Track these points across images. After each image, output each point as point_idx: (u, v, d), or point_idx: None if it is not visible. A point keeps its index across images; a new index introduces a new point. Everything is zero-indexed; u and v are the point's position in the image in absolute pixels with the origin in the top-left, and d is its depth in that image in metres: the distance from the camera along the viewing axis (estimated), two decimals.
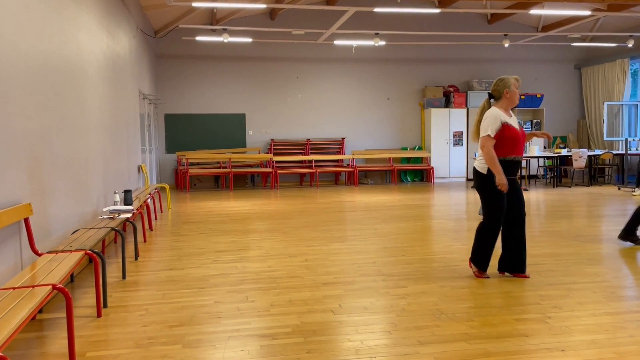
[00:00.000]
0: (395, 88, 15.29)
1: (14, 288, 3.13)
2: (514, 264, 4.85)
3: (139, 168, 10.08)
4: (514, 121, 4.74)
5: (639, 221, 6.17)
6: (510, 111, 4.80)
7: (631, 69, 14.55)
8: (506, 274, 4.91)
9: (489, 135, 4.62)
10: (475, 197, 11.13)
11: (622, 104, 14.58)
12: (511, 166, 4.72)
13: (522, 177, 13.94)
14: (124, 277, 5.05)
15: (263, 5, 9.64)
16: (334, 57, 14.88)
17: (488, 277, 4.83)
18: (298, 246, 6.36)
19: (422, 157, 15.13)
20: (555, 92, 16.05)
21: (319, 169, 14.12)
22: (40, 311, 4.06)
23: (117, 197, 6.21)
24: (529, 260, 5.47)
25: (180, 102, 14.25)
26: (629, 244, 6.20)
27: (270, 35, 14.11)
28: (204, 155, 13.68)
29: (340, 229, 7.52)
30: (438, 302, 4.15)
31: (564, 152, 13.19)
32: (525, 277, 4.81)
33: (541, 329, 3.56)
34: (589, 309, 3.95)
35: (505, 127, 4.64)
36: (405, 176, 15.36)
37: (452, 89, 15.10)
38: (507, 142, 4.65)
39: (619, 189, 12.30)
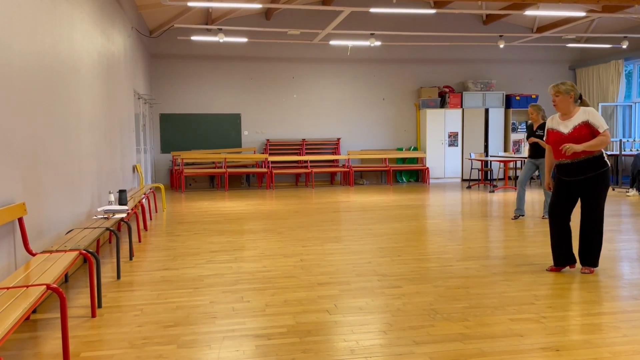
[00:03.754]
0: (391, 88, 15.31)
1: (7, 288, 3.11)
2: (582, 256, 5.01)
3: (134, 168, 10.05)
4: (564, 126, 4.85)
5: None
6: (573, 115, 4.83)
7: (625, 70, 14.61)
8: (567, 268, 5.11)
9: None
10: (470, 198, 11.16)
11: (616, 105, 14.65)
12: (560, 169, 4.95)
13: (517, 178, 13.97)
14: (118, 277, 5.03)
15: (259, 5, 9.62)
16: (329, 57, 14.89)
17: (558, 270, 5.06)
18: (293, 246, 6.36)
19: (417, 158, 15.15)
20: None
21: (315, 170, 14.12)
22: (34, 311, 4.04)
23: (112, 197, 6.19)
24: (524, 259, 5.49)
25: (176, 102, 14.22)
26: None
27: (265, 35, 14.11)
28: (199, 155, 13.65)
29: (335, 229, 7.52)
30: (433, 302, 4.15)
31: None
32: (588, 271, 4.97)
33: (536, 328, 3.57)
34: (583, 308, 3.96)
35: (549, 133, 5.03)
36: (400, 176, 15.38)
37: (447, 90, 15.13)
38: (552, 147, 5.00)
39: (613, 189, 12.35)
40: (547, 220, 7.99)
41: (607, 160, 4.84)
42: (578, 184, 4.86)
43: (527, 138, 8.20)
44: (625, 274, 4.93)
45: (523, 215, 8.28)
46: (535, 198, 10.97)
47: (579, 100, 4.92)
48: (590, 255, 4.93)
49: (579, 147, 4.67)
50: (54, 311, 4.08)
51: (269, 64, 14.64)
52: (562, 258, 5.03)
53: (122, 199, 6.51)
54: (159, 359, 3.16)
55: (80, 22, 6.08)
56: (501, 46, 13.67)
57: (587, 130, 4.75)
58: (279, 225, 7.92)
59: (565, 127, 4.84)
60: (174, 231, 7.54)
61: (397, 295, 4.35)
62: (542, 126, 8.00)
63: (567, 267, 5.12)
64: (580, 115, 4.80)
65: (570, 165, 4.83)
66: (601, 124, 4.72)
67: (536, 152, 8.07)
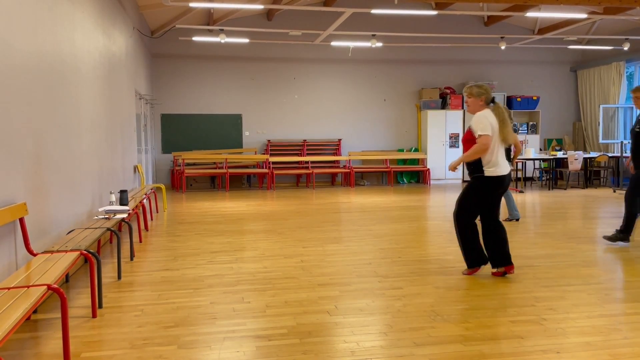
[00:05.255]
0: (392, 89, 15.31)
1: (8, 288, 3.12)
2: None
3: (135, 168, 10.06)
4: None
5: (634, 222, 6.24)
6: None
7: (627, 72, 14.60)
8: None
9: None
10: None
11: (617, 107, 14.64)
12: None
13: (518, 179, 13.97)
14: (119, 277, 5.04)
15: (260, 6, 9.63)
16: (330, 58, 14.89)
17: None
18: (294, 247, 6.36)
19: (418, 159, 15.15)
20: (552, 94, 16.10)
21: (316, 170, 14.12)
22: (35, 311, 4.05)
23: (113, 197, 6.19)
24: (524, 261, 5.49)
25: (177, 102, 14.23)
26: (620, 243, 6.26)
27: (267, 35, 14.11)
28: (200, 156, 13.66)
29: (336, 230, 7.52)
30: (434, 304, 4.15)
31: (559, 154, 13.23)
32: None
33: (536, 330, 3.56)
34: (583, 310, 3.96)
35: None
36: (401, 177, 15.38)
37: (448, 91, 15.13)
38: None
39: (614, 191, 12.34)
40: (546, 224, 7.99)
41: (488, 171, 4.75)
42: None
43: None
44: (626, 276, 4.93)
45: (518, 220, 8.17)
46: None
47: (492, 104, 4.91)
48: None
49: (455, 162, 4.89)
50: (55, 311, 4.09)
51: (270, 64, 14.64)
52: (491, 260, 4.98)
53: (123, 199, 6.51)
54: None
55: (82, 21, 6.08)
56: (502, 47, 13.66)
57: (471, 136, 4.81)
58: (279, 225, 7.92)
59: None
60: (174, 231, 7.54)
61: (398, 297, 4.35)
62: None
63: (505, 272, 4.95)
64: (472, 119, 4.86)
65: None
66: (477, 128, 4.71)
67: None
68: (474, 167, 4.82)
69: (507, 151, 7.84)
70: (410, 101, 15.43)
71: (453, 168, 4.96)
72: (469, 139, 4.84)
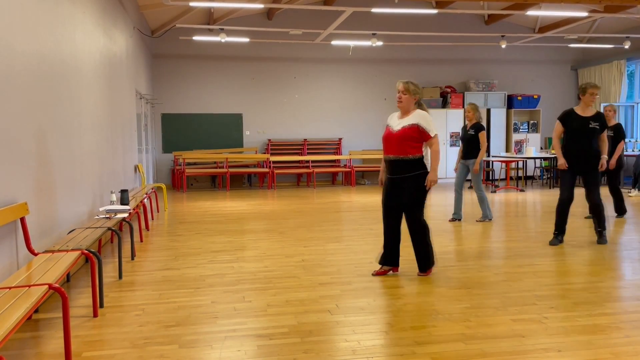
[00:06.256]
0: (393, 88, 15.29)
1: (9, 287, 3.12)
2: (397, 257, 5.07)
3: (136, 168, 10.06)
4: (398, 124, 4.87)
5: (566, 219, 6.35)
6: (410, 113, 4.87)
7: (627, 70, 14.59)
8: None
9: None
10: (471, 198, 11.14)
11: (618, 105, 14.62)
12: (386, 164, 4.96)
13: (519, 178, 13.96)
14: (120, 277, 5.04)
15: (260, 5, 9.62)
16: (331, 57, 14.88)
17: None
18: (295, 246, 6.36)
19: None
20: (552, 93, 16.09)
21: (316, 169, 14.12)
22: (36, 311, 4.05)
23: (114, 197, 6.20)
24: (525, 260, 5.49)
25: (177, 101, 14.23)
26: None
27: (267, 35, 14.11)
28: (200, 155, 13.66)
29: (337, 229, 7.52)
30: (435, 303, 4.15)
31: None
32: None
33: (537, 329, 3.56)
34: (585, 309, 3.96)
35: (385, 128, 5.01)
36: None
37: (449, 90, 15.11)
38: (383, 142, 4.99)
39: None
40: (547, 222, 7.99)
41: (425, 166, 4.82)
42: (399, 183, 4.86)
43: (460, 138, 8.24)
44: (627, 275, 4.92)
45: (460, 220, 8.12)
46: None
47: (419, 104, 4.93)
48: (420, 262, 4.98)
49: (434, 175, 4.75)
50: (56, 311, 4.09)
51: (271, 64, 14.64)
52: (384, 257, 5.01)
53: (123, 198, 6.52)
54: (160, 359, 3.17)
55: (82, 22, 6.08)
56: (503, 46, 13.65)
57: (416, 134, 4.76)
58: (280, 225, 7.92)
59: (397, 126, 4.87)
60: (175, 231, 7.54)
61: (399, 296, 4.35)
62: (474, 126, 7.96)
63: (390, 271, 5.04)
64: (413, 117, 4.82)
65: (391, 162, 4.86)
66: (432, 128, 4.77)
67: (467, 153, 8.02)
68: (413, 164, 4.77)
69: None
70: None
71: (435, 182, 4.80)
72: (414, 136, 4.76)
